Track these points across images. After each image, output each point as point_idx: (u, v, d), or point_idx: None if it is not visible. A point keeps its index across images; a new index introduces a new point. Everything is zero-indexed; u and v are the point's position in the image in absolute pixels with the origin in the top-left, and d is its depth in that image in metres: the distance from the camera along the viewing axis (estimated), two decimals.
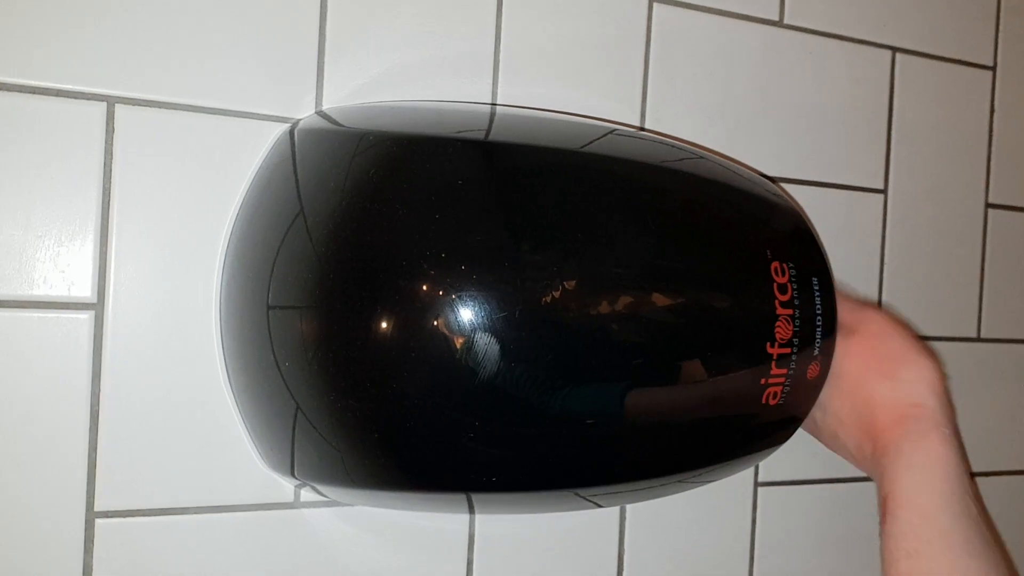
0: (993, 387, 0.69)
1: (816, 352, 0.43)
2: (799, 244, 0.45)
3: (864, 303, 0.51)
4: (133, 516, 0.45)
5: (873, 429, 0.47)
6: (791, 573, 0.62)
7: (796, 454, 0.53)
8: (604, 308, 0.38)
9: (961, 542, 0.43)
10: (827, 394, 0.47)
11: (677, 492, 0.51)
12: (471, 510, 0.50)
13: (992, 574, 0.42)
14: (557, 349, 0.37)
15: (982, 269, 0.69)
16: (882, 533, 0.45)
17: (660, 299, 0.39)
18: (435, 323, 0.36)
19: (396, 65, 0.50)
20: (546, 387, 0.37)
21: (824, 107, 0.63)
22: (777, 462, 0.60)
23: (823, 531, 0.62)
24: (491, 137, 0.42)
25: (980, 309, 0.69)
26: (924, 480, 0.44)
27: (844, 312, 0.49)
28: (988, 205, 0.69)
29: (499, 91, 0.53)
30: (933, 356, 0.48)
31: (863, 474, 0.49)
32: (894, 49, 0.65)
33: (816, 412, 0.49)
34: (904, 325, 0.50)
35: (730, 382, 0.41)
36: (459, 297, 0.36)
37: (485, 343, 0.36)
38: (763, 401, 0.42)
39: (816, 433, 0.51)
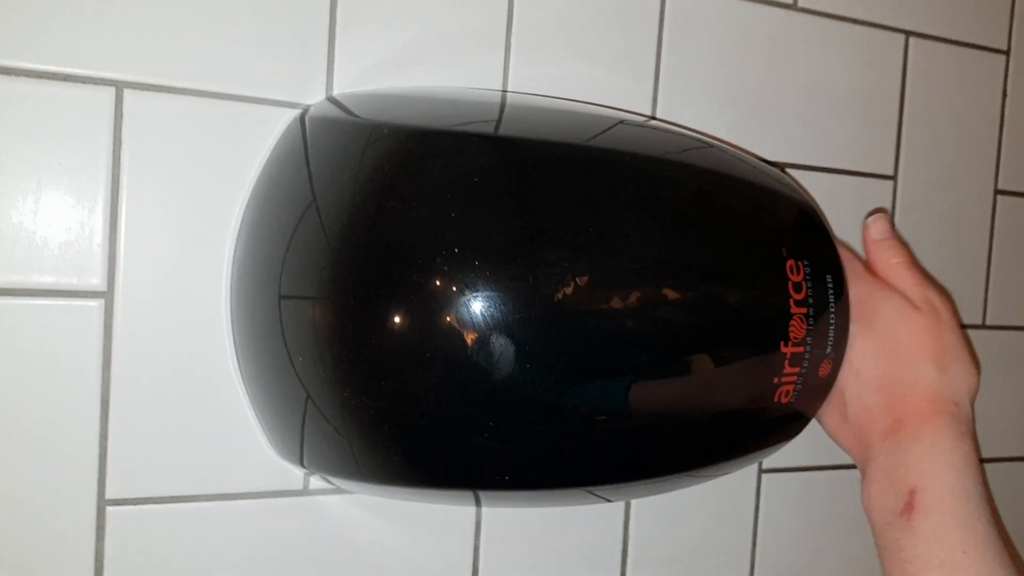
0: (997, 374, 0.69)
1: (829, 351, 0.43)
2: (814, 241, 0.44)
3: (931, 281, 0.50)
4: (144, 504, 0.45)
5: (905, 407, 0.45)
6: (794, 559, 0.63)
7: (800, 442, 0.53)
8: (618, 305, 0.38)
9: (996, 555, 0.42)
10: (863, 349, 0.46)
11: (685, 487, 0.51)
12: (477, 504, 0.50)
13: None
14: (571, 346, 0.37)
15: (989, 256, 0.69)
16: (903, 527, 0.43)
17: (675, 297, 0.39)
18: (448, 319, 0.36)
19: (407, 45, 0.49)
20: (559, 384, 0.37)
21: (836, 92, 0.62)
22: (781, 449, 0.60)
23: (826, 517, 0.63)
24: (503, 131, 0.41)
25: (986, 296, 0.69)
26: (962, 483, 0.43)
27: (910, 282, 0.48)
28: (997, 191, 0.69)
29: (511, 70, 0.52)
30: (978, 364, 0.48)
31: None
32: (907, 33, 0.64)
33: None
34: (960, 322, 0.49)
35: (743, 380, 0.41)
36: (473, 293, 0.35)
37: (498, 340, 0.36)
38: (775, 399, 0.42)
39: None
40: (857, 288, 0.47)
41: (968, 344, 0.48)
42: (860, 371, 0.47)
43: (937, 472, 0.43)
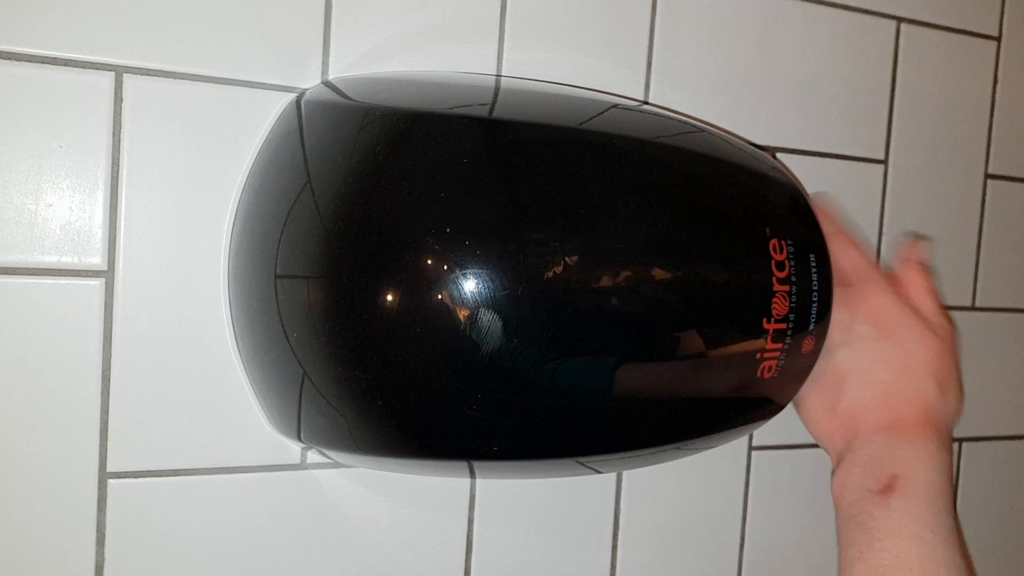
0: (986, 355, 0.70)
1: (811, 328, 0.44)
2: (798, 221, 0.45)
3: (945, 312, 0.55)
4: (145, 477, 0.46)
5: (902, 410, 0.49)
6: (783, 534, 0.64)
7: (789, 419, 0.54)
8: (604, 283, 0.39)
9: (957, 547, 0.45)
10: (879, 356, 0.50)
11: (673, 459, 0.52)
12: (472, 475, 0.51)
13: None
14: (558, 322, 0.38)
15: (979, 239, 0.69)
16: (880, 503, 0.46)
17: (660, 275, 0.40)
18: (439, 296, 0.37)
19: (402, 31, 0.50)
20: (547, 360, 0.38)
21: (828, 78, 0.63)
22: (771, 427, 0.61)
23: (815, 494, 0.64)
24: (495, 113, 0.42)
25: (976, 278, 0.70)
26: (942, 483, 0.47)
27: (935, 312, 0.53)
28: (988, 176, 0.69)
29: (504, 56, 0.53)
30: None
31: None
32: (899, 19, 0.65)
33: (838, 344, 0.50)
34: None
35: (726, 356, 0.42)
36: (463, 271, 0.36)
37: (487, 316, 0.37)
38: (758, 375, 0.43)
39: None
40: (883, 300, 0.51)
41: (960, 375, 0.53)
42: (869, 373, 0.50)
43: (921, 467, 0.47)
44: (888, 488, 0.46)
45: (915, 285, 0.55)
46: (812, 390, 0.50)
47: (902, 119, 0.66)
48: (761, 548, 0.63)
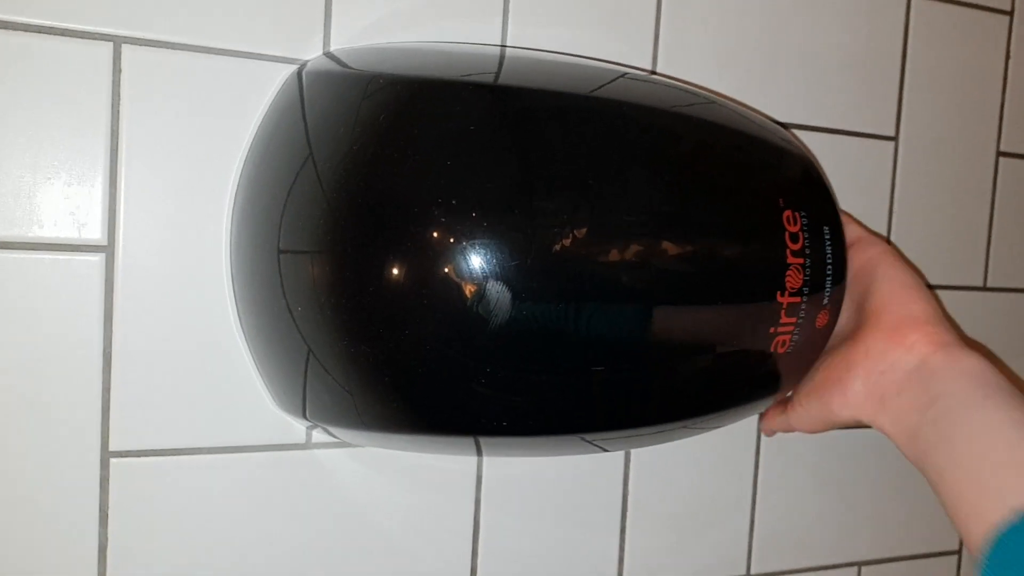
0: (998, 335, 0.69)
1: (826, 301, 0.43)
2: (811, 193, 0.45)
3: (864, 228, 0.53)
4: (147, 456, 0.45)
5: (918, 323, 0.46)
6: (793, 514, 0.63)
7: None
8: (615, 256, 0.38)
9: (1019, 399, 0.43)
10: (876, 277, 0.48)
11: (683, 438, 0.51)
12: (479, 453, 0.51)
13: None
14: (567, 297, 0.38)
15: (991, 218, 0.69)
16: (930, 422, 0.44)
17: (671, 247, 0.39)
18: (446, 270, 0.36)
19: (405, 4, 0.49)
20: (555, 334, 0.37)
21: (837, 53, 0.62)
22: None
23: (826, 473, 0.63)
24: (501, 81, 0.41)
25: (987, 258, 0.69)
26: (977, 372, 0.44)
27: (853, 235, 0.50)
28: (1000, 153, 0.68)
29: (509, 31, 0.52)
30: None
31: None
32: None
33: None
34: None
35: (740, 330, 0.41)
36: (470, 244, 0.36)
37: (496, 290, 0.36)
38: (772, 349, 0.42)
39: None
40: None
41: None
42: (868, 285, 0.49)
43: (954, 377, 0.44)
44: (932, 401, 0.44)
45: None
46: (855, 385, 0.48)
47: (913, 95, 0.65)
48: (772, 531, 0.62)
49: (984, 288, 0.69)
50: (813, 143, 0.61)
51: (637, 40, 0.55)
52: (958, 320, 0.67)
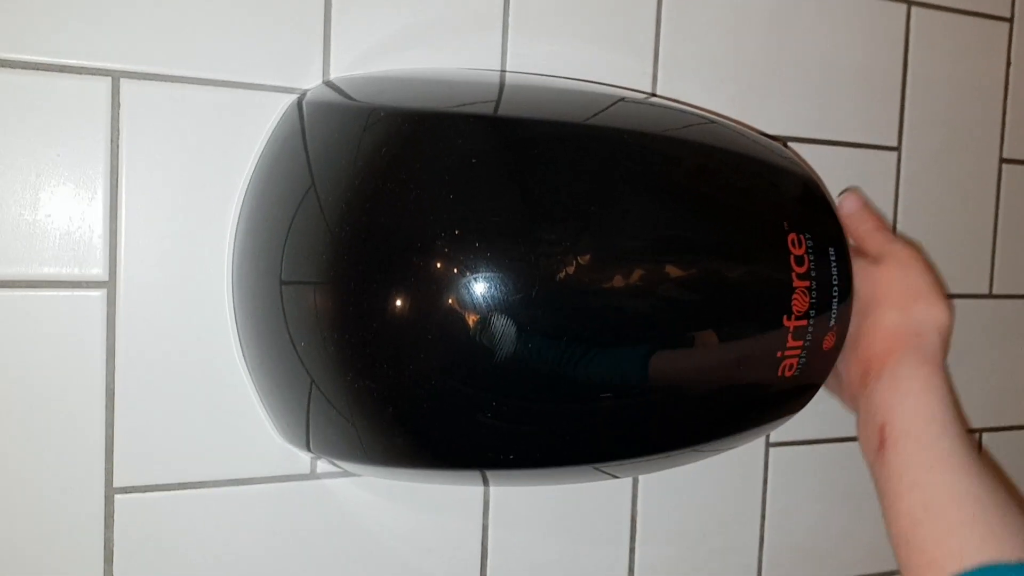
0: (1004, 343, 0.69)
1: (832, 323, 0.43)
2: (816, 214, 0.44)
3: (897, 237, 0.52)
4: (152, 491, 0.45)
5: (869, 353, 0.47)
6: (802, 530, 0.63)
7: (807, 415, 0.53)
8: (620, 283, 0.38)
9: (962, 465, 0.43)
10: None
11: (691, 462, 0.51)
12: (485, 483, 0.50)
13: (995, 493, 0.43)
14: (573, 326, 0.37)
15: (995, 225, 0.68)
16: (879, 463, 0.45)
17: (676, 274, 0.39)
18: (449, 301, 0.36)
19: (404, 26, 0.49)
20: (562, 364, 0.37)
21: (838, 64, 0.61)
22: (788, 423, 0.60)
23: (834, 490, 0.63)
24: (501, 111, 0.41)
25: (992, 265, 0.68)
26: (921, 406, 0.45)
27: (876, 242, 0.50)
28: (1003, 160, 0.68)
29: (509, 48, 0.52)
30: (948, 301, 0.49)
31: None
32: (909, 2, 0.63)
33: None
34: (929, 267, 0.50)
35: (747, 355, 0.41)
36: (474, 275, 0.35)
37: (500, 321, 0.36)
38: (779, 373, 0.42)
39: None
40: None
41: (934, 281, 0.49)
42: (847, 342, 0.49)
43: (897, 402, 0.45)
44: (881, 443, 0.45)
45: (859, 233, 0.52)
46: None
47: (915, 105, 0.64)
48: (781, 545, 0.62)
49: (990, 295, 0.68)
50: (816, 156, 0.61)
51: (637, 55, 0.55)
52: (965, 328, 0.67)
